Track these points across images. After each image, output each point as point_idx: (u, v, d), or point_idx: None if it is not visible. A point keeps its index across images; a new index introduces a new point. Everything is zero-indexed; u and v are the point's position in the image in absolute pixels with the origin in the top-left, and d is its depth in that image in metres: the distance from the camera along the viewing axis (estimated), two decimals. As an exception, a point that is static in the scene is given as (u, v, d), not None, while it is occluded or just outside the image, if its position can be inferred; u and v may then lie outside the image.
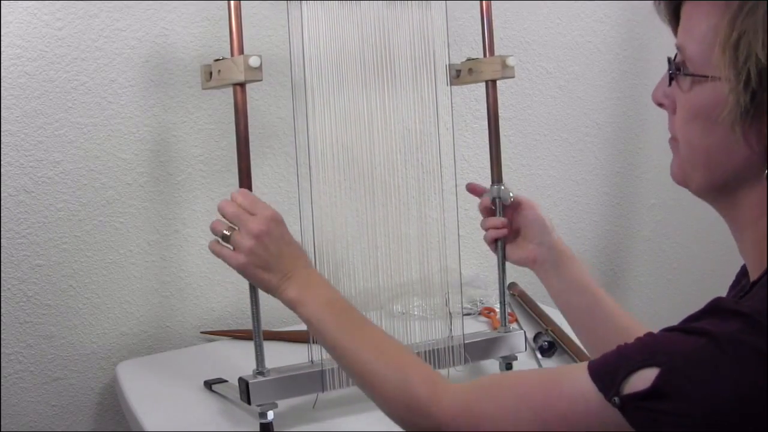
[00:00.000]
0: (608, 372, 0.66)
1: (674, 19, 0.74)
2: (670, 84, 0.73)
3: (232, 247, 0.93)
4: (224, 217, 0.94)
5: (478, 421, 0.72)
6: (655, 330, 0.68)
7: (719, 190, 0.72)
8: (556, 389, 0.69)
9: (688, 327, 0.64)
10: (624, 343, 0.68)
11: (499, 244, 1.10)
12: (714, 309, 0.64)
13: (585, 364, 0.68)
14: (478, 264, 1.55)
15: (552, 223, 1.07)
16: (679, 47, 0.72)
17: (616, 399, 0.64)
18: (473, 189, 1.14)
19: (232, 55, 0.97)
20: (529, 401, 0.70)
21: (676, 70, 0.71)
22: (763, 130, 0.65)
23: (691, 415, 0.61)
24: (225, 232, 0.93)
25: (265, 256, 0.91)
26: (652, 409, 0.62)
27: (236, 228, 0.93)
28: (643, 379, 0.63)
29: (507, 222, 1.10)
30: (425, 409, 0.76)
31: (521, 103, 1.64)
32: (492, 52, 1.12)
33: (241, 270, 0.92)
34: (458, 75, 1.15)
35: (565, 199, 1.72)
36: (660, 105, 0.76)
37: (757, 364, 0.59)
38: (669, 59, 0.73)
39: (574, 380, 0.68)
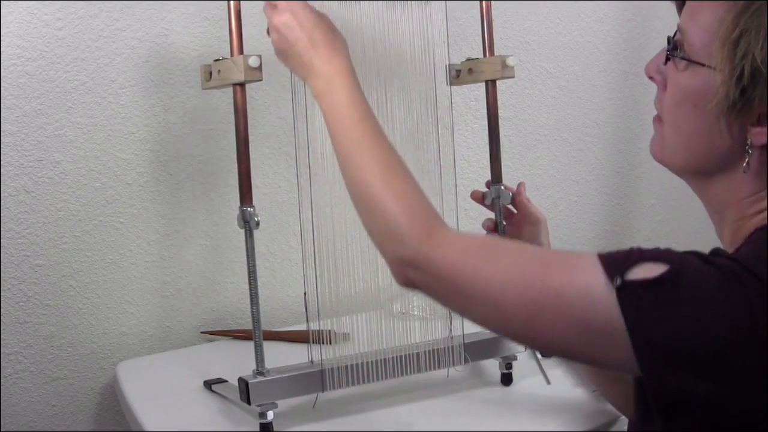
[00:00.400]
0: (617, 258, 0.65)
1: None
2: (666, 63, 0.75)
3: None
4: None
5: (469, 274, 0.70)
6: None
7: (696, 172, 0.75)
8: (558, 264, 0.68)
9: (699, 253, 0.66)
10: None
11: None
12: (714, 253, 0.67)
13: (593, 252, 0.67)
14: (478, 264, 1.55)
15: (549, 243, 1.07)
16: (680, 28, 0.74)
17: (618, 279, 0.63)
18: (477, 197, 1.14)
19: (232, 55, 0.97)
20: (529, 272, 0.68)
21: (674, 49, 0.74)
22: (746, 125, 0.68)
23: (680, 322, 0.61)
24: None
25: (287, 43, 0.87)
26: (648, 300, 0.62)
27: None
28: (650, 269, 0.63)
29: (492, 225, 1.11)
30: (416, 242, 0.74)
31: (521, 103, 1.64)
32: (492, 52, 1.12)
33: (277, 48, 0.89)
34: (458, 75, 1.15)
35: (565, 199, 1.72)
36: (651, 78, 0.79)
37: (759, 293, 0.60)
38: (669, 38, 0.75)
39: (580, 260, 0.67)
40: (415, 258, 0.74)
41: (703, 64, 0.70)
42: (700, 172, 0.75)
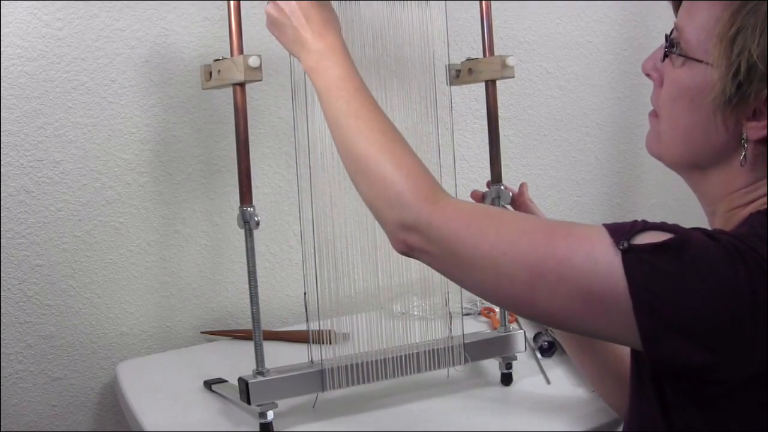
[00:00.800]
0: (624, 227, 0.66)
1: None
2: (663, 60, 0.76)
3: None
4: None
5: (471, 238, 0.70)
6: None
7: (692, 166, 0.76)
8: (562, 230, 0.68)
9: (703, 229, 0.67)
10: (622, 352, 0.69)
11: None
12: (715, 231, 0.68)
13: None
14: (478, 264, 1.55)
15: None
16: (677, 26, 0.75)
17: (624, 243, 0.64)
18: (477, 197, 1.13)
19: (232, 55, 0.97)
20: (532, 237, 0.68)
21: (671, 47, 0.75)
22: (741, 119, 0.70)
23: (682, 288, 0.62)
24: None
25: (282, 17, 0.88)
26: (653, 263, 0.63)
27: None
28: (656, 236, 0.64)
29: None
30: (417, 206, 0.73)
31: (521, 103, 1.64)
32: (492, 52, 1.12)
33: (268, 21, 0.91)
34: (458, 75, 1.15)
35: (565, 199, 1.72)
36: (648, 75, 0.80)
37: (760, 267, 0.62)
38: (666, 36, 0.76)
39: (586, 227, 0.68)
40: (416, 222, 0.73)
41: (700, 61, 0.72)
42: (696, 166, 0.76)
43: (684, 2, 0.76)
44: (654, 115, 0.80)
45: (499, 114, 1.14)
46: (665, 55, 0.76)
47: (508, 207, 1.11)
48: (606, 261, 0.64)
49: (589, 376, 1.04)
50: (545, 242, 0.67)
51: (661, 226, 0.66)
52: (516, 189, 1.12)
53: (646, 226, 0.65)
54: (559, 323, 0.70)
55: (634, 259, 0.63)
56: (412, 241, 0.74)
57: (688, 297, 0.61)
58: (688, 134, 0.74)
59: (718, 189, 0.75)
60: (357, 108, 0.82)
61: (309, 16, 0.87)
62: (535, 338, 1.27)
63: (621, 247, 0.64)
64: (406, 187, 0.75)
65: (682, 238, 0.63)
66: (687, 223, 0.68)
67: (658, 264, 0.62)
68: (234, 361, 1.19)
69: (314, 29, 0.87)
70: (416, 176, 0.76)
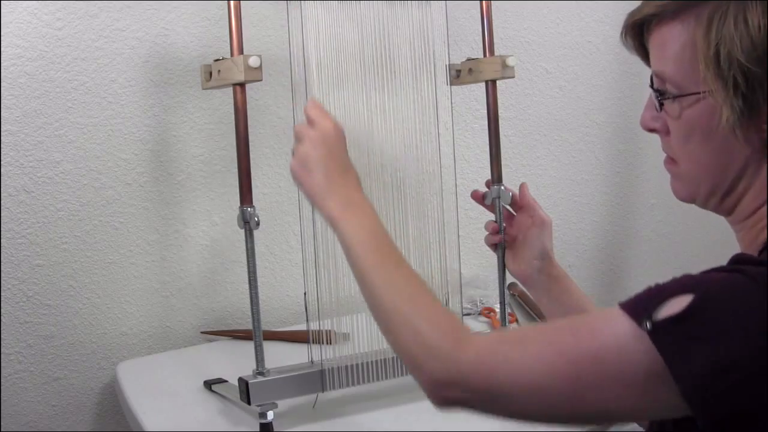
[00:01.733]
0: (641, 302, 0.64)
1: (642, 49, 0.77)
2: (660, 110, 0.74)
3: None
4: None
5: (502, 369, 0.69)
6: None
7: (725, 194, 0.73)
8: (585, 328, 0.67)
9: (719, 268, 0.64)
10: None
11: (499, 245, 1.10)
12: (737, 261, 0.66)
13: (615, 305, 0.66)
14: (478, 264, 1.55)
15: (552, 246, 1.04)
16: (656, 73, 0.74)
17: (648, 323, 0.62)
18: (477, 197, 1.13)
19: (232, 55, 0.97)
20: (559, 345, 0.67)
21: (661, 95, 0.73)
22: (762, 126, 0.67)
23: (723, 343, 0.59)
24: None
25: (312, 162, 0.88)
26: (684, 333, 0.61)
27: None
28: (677, 303, 0.61)
29: (498, 227, 1.10)
30: (446, 357, 0.72)
31: (521, 103, 1.64)
32: (492, 52, 1.12)
33: (291, 171, 0.91)
34: (458, 75, 1.15)
35: (565, 199, 1.72)
36: (651, 130, 0.77)
37: None
38: (651, 87, 0.74)
39: (605, 317, 0.66)
40: (451, 376, 0.72)
41: (696, 93, 0.69)
42: (726, 192, 0.73)
43: (651, 48, 0.74)
44: (670, 162, 0.77)
45: (500, 114, 1.14)
46: (660, 105, 0.74)
47: (508, 207, 1.11)
48: (637, 348, 0.62)
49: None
50: (572, 345, 0.66)
51: (675, 287, 0.63)
52: (515, 189, 1.12)
53: (661, 295, 0.63)
54: (614, 418, 0.69)
55: (663, 337, 0.61)
56: (452, 395, 0.73)
57: (730, 351, 0.59)
58: (711, 165, 0.72)
59: (749, 206, 0.73)
60: (381, 260, 0.82)
61: (330, 167, 0.87)
62: (535, 338, 1.27)
63: (647, 329, 0.62)
64: (434, 339, 0.74)
65: (703, 296, 0.61)
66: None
67: (689, 333, 0.61)
68: (234, 361, 1.19)
69: (336, 180, 0.87)
70: (442, 325, 0.75)
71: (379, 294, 0.80)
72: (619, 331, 0.64)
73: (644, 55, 0.77)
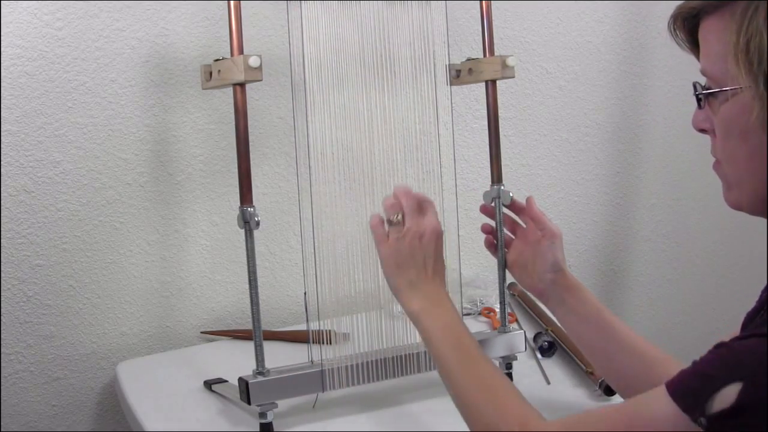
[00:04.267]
0: (690, 393, 0.65)
1: (695, 46, 0.76)
2: (701, 107, 0.74)
3: (388, 234, 0.93)
4: (398, 205, 0.94)
5: None
6: (677, 356, 0.67)
7: None
8: (638, 418, 0.69)
9: (754, 331, 0.64)
10: (697, 359, 0.68)
11: (498, 245, 1.10)
12: None
13: (662, 387, 0.68)
14: (478, 264, 1.55)
15: (564, 258, 1.04)
16: (703, 72, 0.73)
17: (703, 420, 0.63)
18: (486, 211, 1.13)
19: (232, 55, 0.97)
20: None
21: (705, 89, 0.72)
22: None
23: None
24: (392, 218, 0.93)
25: (407, 258, 0.91)
26: (739, 424, 0.62)
27: (401, 220, 0.93)
28: (727, 396, 0.63)
29: (489, 227, 1.11)
30: None
31: (521, 103, 1.64)
32: (492, 52, 1.12)
33: (381, 259, 0.93)
34: (458, 75, 1.15)
35: (565, 199, 1.72)
36: (702, 131, 0.76)
37: None
38: (694, 84, 0.74)
39: (656, 405, 0.67)
40: None
41: (729, 90, 0.69)
42: None
43: (701, 47, 0.74)
44: (717, 164, 0.76)
45: (500, 114, 1.14)
46: (699, 101, 0.73)
47: (507, 211, 1.11)
48: None
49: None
50: None
51: (724, 375, 0.63)
52: (515, 189, 1.11)
53: (712, 385, 0.63)
54: None
55: (721, 430, 0.63)
56: None
57: None
58: (751, 164, 0.70)
59: None
60: (462, 356, 0.86)
61: (424, 266, 0.91)
62: (535, 338, 1.27)
63: (702, 426, 0.63)
64: (503, 429, 0.78)
65: (752, 385, 0.62)
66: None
67: (745, 423, 0.62)
68: (234, 361, 1.19)
69: (423, 278, 0.90)
70: (510, 418, 0.79)
71: (455, 384, 0.85)
72: (673, 421, 0.65)
73: (696, 51, 0.76)
